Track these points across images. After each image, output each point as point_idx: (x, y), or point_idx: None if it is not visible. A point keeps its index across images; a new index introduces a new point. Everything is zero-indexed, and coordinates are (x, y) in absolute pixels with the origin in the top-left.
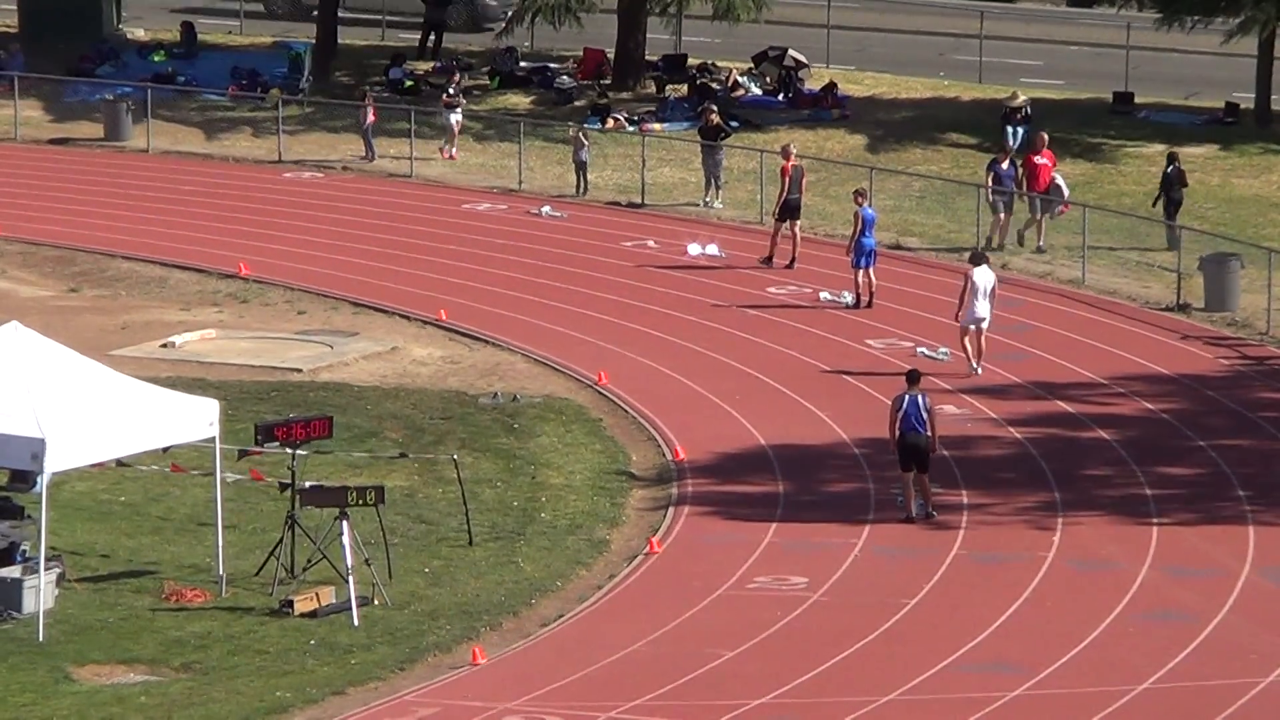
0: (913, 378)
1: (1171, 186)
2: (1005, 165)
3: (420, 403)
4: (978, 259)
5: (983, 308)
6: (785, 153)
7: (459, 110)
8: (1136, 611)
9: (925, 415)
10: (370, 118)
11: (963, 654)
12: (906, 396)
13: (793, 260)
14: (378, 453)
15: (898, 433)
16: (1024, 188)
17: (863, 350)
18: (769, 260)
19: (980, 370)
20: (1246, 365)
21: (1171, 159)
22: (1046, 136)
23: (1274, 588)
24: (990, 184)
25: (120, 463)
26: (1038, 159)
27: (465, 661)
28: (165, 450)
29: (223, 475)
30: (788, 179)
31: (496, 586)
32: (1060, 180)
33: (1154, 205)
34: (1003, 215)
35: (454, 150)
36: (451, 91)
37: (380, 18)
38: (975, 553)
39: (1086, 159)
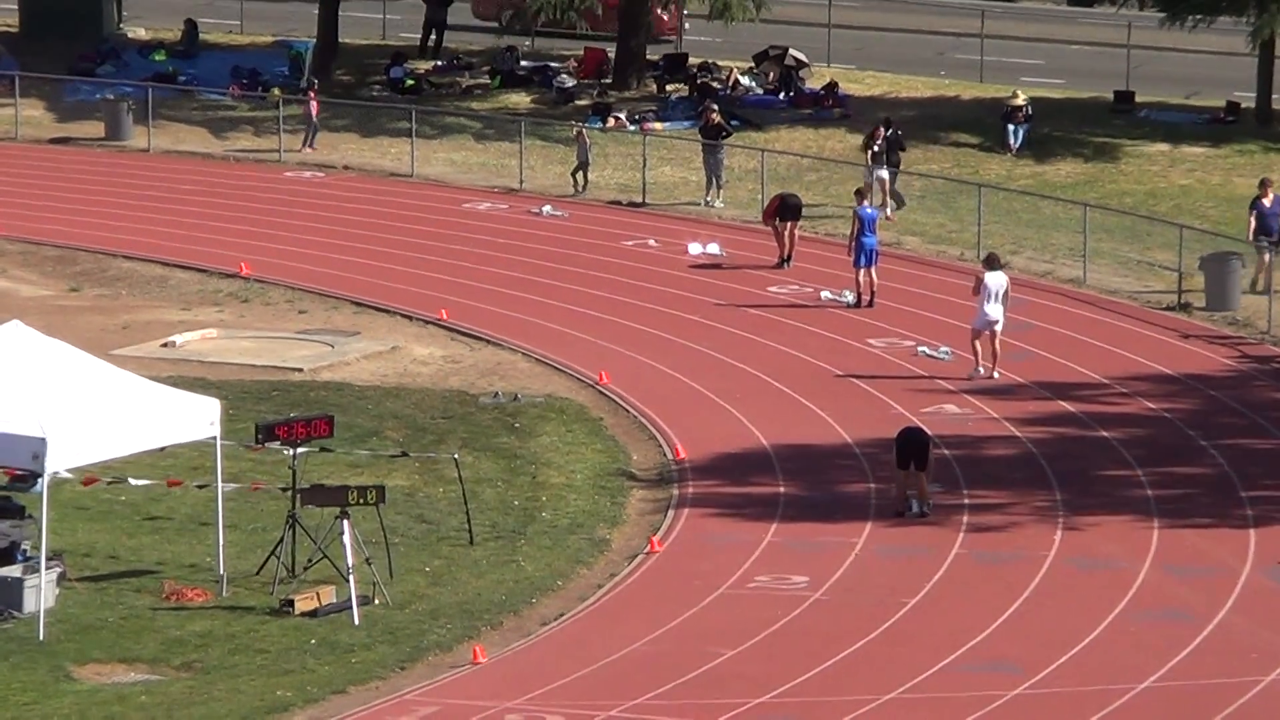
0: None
1: (890, 149)
2: (1269, 202)
3: (421, 402)
4: (991, 262)
5: (994, 310)
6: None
7: (891, 166)
8: (1137, 611)
9: None
10: (314, 110)
11: (963, 653)
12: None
13: (788, 257)
14: (378, 452)
15: (897, 435)
16: None
17: (864, 350)
18: (786, 261)
19: (997, 375)
20: (1247, 364)
21: (890, 123)
22: None
23: (1275, 587)
24: (1254, 224)
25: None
26: None
27: (466, 660)
28: (163, 449)
29: (221, 482)
30: None
31: (497, 586)
32: None
33: (870, 161)
34: (1267, 256)
35: (893, 209)
36: (877, 148)
37: None
38: (976, 552)
39: (1087, 158)
